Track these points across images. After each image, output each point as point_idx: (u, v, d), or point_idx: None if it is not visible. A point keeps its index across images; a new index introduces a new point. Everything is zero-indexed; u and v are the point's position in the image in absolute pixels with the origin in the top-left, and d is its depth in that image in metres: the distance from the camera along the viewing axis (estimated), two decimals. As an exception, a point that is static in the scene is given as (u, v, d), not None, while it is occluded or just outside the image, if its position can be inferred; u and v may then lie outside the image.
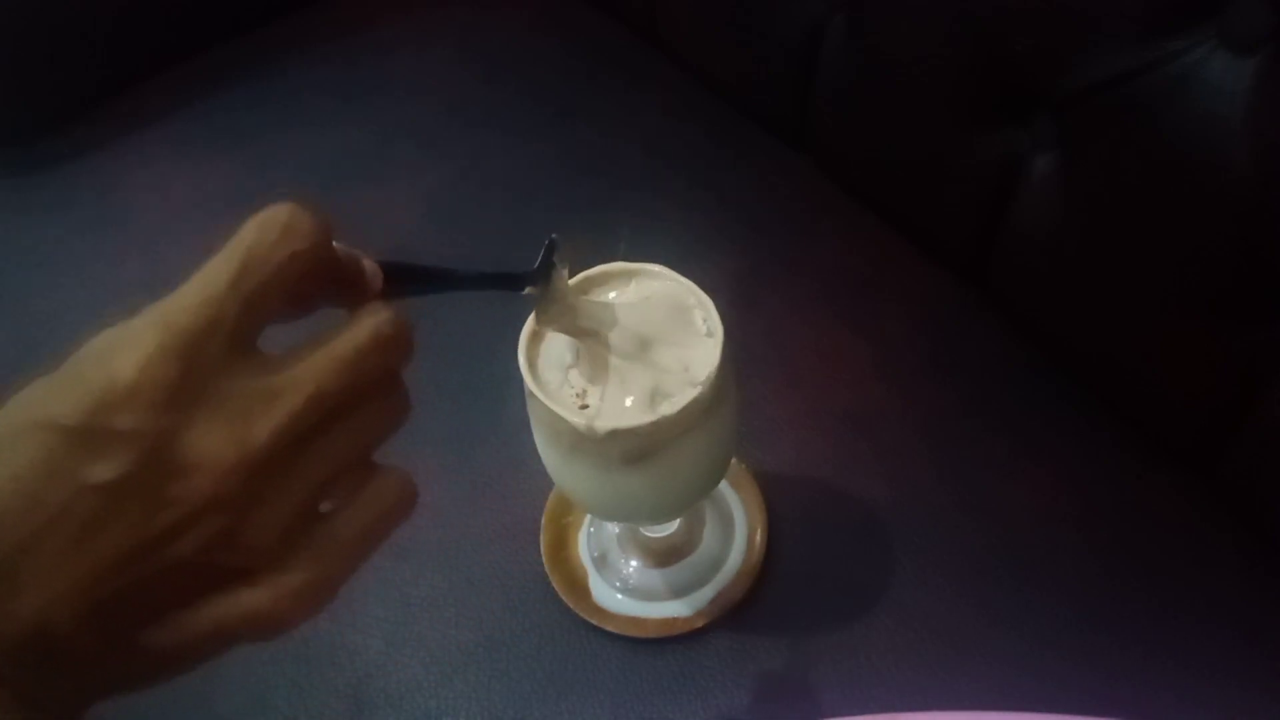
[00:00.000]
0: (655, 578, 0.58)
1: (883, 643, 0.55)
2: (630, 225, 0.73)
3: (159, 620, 0.27)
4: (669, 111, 0.85)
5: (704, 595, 0.57)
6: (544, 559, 0.59)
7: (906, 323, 0.70)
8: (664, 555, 0.58)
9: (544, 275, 0.40)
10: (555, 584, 0.58)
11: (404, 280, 0.32)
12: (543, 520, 0.60)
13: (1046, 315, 0.66)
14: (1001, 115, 0.62)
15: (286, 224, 0.28)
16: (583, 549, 0.59)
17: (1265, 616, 0.55)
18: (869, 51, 0.69)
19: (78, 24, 0.87)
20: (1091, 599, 0.56)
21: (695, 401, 0.43)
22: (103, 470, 0.25)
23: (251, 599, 0.27)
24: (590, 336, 0.44)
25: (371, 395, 0.30)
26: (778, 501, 0.60)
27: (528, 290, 0.40)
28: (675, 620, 0.56)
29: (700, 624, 0.56)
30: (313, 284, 0.29)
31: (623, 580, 0.58)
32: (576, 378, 0.45)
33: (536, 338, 0.46)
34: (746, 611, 0.56)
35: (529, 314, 0.44)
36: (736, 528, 0.59)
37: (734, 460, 0.59)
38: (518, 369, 0.44)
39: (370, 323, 0.29)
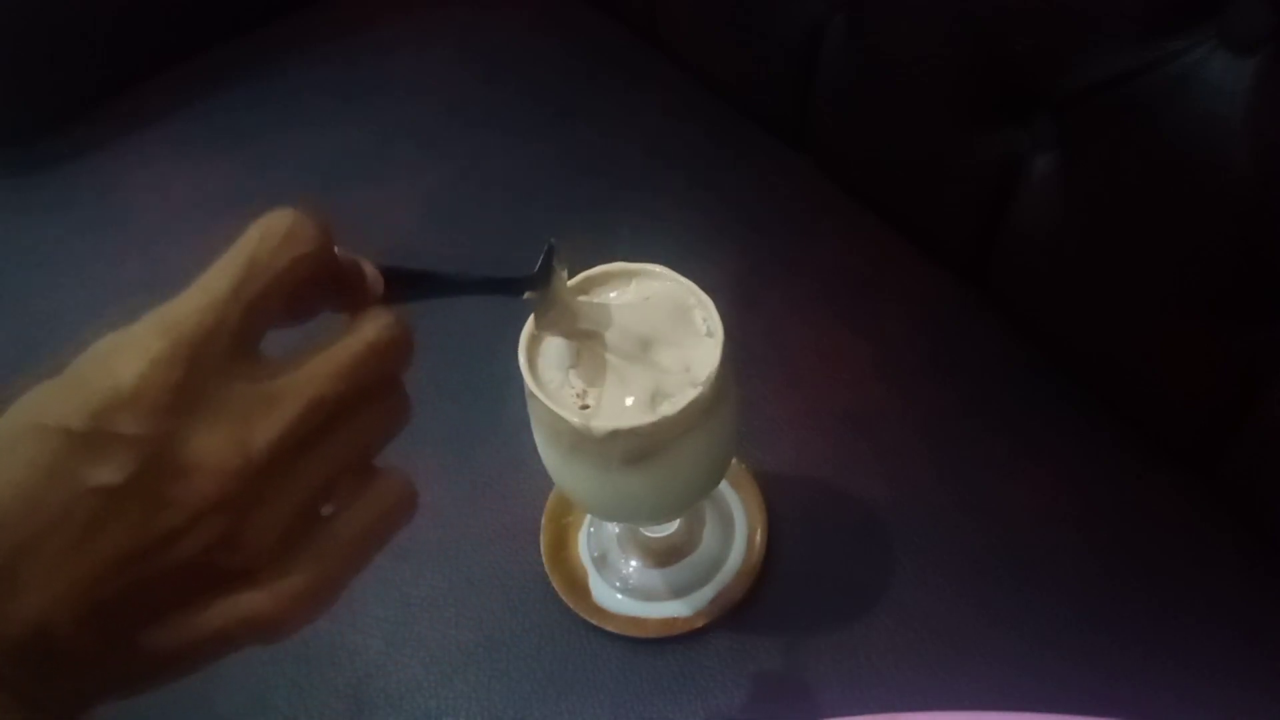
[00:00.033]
0: (655, 578, 0.58)
1: (883, 643, 0.55)
2: (630, 225, 0.73)
3: (159, 622, 0.27)
4: (669, 111, 0.85)
5: (704, 595, 0.57)
6: (544, 559, 0.59)
7: (906, 323, 0.70)
8: (664, 555, 0.59)
9: (543, 279, 0.40)
10: (555, 584, 0.58)
11: (404, 285, 0.33)
12: (543, 520, 0.60)
13: (1046, 315, 0.66)
14: (1001, 115, 0.62)
15: (289, 230, 0.28)
16: (583, 549, 0.59)
17: (1265, 616, 0.55)
18: (869, 51, 0.69)
19: (78, 24, 0.87)
20: (1091, 599, 0.56)
21: (695, 402, 0.43)
22: (105, 473, 0.25)
23: (252, 601, 0.27)
24: (590, 339, 0.44)
25: (372, 399, 0.30)
26: (778, 501, 0.60)
27: (527, 295, 0.40)
28: (675, 620, 0.56)
29: (700, 624, 0.56)
30: (314, 289, 0.30)
31: (623, 580, 0.58)
32: (577, 378, 0.45)
33: (537, 338, 0.46)
34: (746, 611, 0.56)
35: (529, 314, 0.44)
36: (736, 528, 0.59)
37: (734, 460, 0.59)
38: (518, 369, 0.45)
39: (371, 328, 0.30)
